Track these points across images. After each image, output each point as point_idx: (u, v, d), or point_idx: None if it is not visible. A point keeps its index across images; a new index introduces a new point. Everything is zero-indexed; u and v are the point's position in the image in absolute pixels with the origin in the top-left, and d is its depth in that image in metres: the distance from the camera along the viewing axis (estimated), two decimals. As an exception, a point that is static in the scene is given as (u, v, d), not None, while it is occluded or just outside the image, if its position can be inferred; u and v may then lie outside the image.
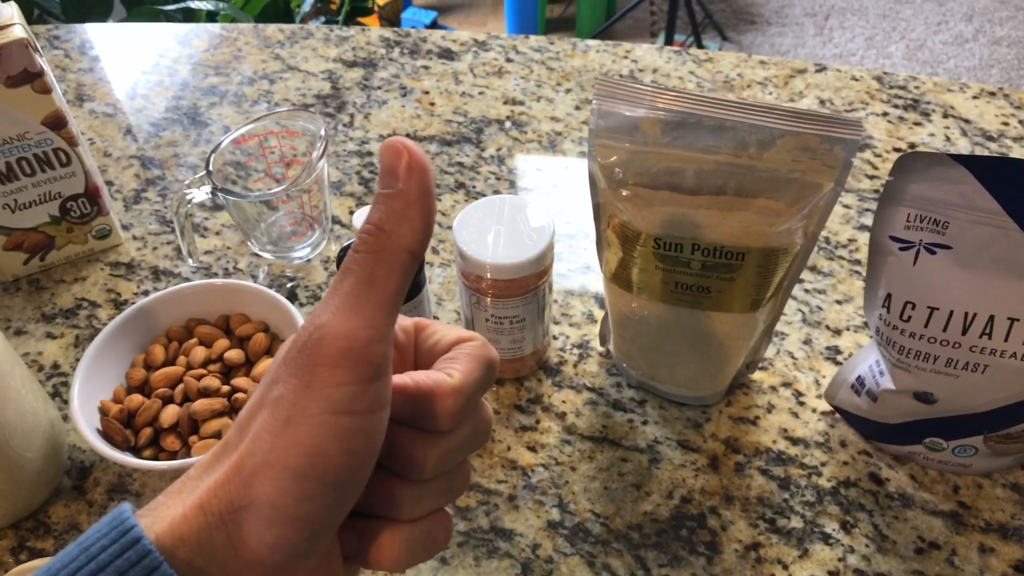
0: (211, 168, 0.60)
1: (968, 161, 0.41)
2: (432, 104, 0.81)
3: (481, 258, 0.50)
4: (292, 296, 0.64)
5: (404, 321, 0.31)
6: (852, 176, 0.72)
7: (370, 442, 0.25)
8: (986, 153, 0.74)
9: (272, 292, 0.55)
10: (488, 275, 0.50)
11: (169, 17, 1.36)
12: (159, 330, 0.56)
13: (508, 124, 0.79)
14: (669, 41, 2.21)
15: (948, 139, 0.75)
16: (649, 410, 0.56)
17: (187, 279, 0.66)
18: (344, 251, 0.54)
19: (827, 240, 0.67)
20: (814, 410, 0.56)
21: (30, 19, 1.36)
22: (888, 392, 0.49)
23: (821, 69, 0.84)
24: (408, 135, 0.77)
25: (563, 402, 0.57)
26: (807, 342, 0.60)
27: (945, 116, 0.78)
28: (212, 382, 0.52)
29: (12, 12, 0.56)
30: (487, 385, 0.29)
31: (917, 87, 0.81)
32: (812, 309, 0.62)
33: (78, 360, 0.59)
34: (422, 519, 0.29)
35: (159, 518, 0.24)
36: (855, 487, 0.52)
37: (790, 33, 2.53)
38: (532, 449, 0.54)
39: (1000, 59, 2.38)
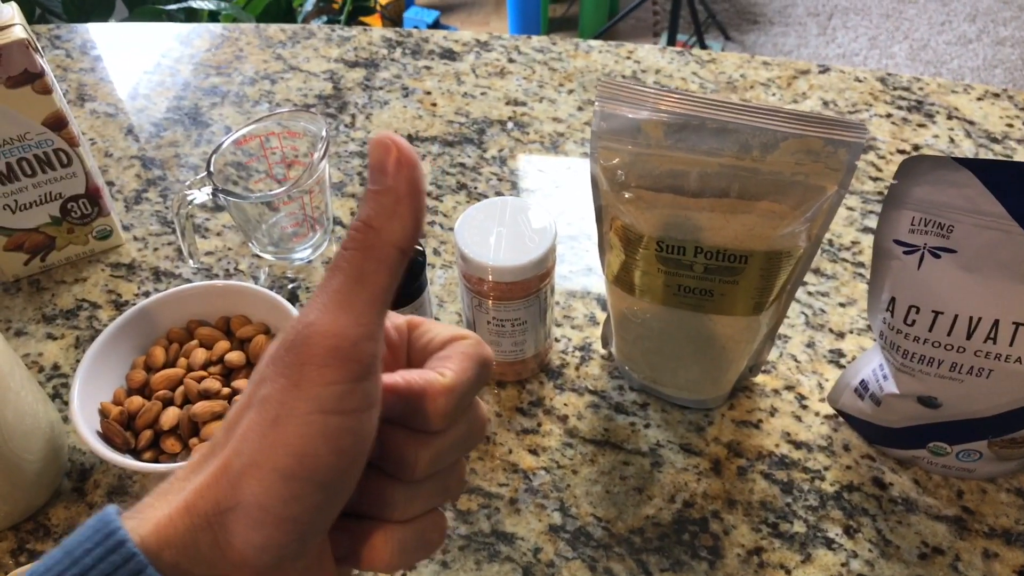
0: (212, 169, 0.60)
1: (973, 164, 0.41)
2: (434, 105, 0.81)
3: (483, 260, 0.49)
4: (293, 298, 0.64)
5: (397, 319, 0.31)
6: (856, 178, 0.72)
7: (359, 441, 0.25)
8: (990, 155, 0.74)
9: (273, 294, 0.55)
10: (490, 277, 0.50)
11: (171, 17, 1.36)
12: (160, 332, 0.56)
13: (510, 125, 0.78)
14: (672, 41, 2.21)
15: (952, 141, 0.75)
16: (651, 413, 0.56)
17: (188, 280, 0.66)
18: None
19: (830, 242, 0.67)
20: (817, 414, 0.56)
21: (32, 18, 1.36)
22: (892, 396, 0.49)
23: (824, 70, 0.83)
24: (410, 136, 0.77)
25: (565, 405, 0.57)
26: (810, 345, 0.59)
27: (949, 118, 0.77)
28: (213, 384, 0.52)
29: (12, 12, 0.56)
30: (481, 384, 0.29)
31: (921, 88, 0.81)
32: (815, 312, 0.62)
33: (78, 361, 0.59)
34: (415, 519, 0.28)
35: (144, 520, 0.24)
36: (858, 491, 0.52)
37: (793, 33, 2.52)
38: (533, 452, 0.54)
39: (1004, 59, 2.37)
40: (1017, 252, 0.41)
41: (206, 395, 0.52)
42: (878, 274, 0.47)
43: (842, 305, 0.62)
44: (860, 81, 0.82)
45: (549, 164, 0.75)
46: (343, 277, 0.24)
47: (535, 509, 0.51)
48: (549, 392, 0.57)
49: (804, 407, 0.56)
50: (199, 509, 0.24)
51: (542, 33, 2.53)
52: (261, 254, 0.66)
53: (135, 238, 0.69)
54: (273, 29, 0.91)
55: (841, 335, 0.60)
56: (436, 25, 2.55)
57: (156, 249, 0.68)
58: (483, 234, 0.51)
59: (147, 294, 0.65)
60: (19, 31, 0.55)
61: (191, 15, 1.39)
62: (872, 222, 0.68)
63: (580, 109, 0.80)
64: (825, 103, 0.80)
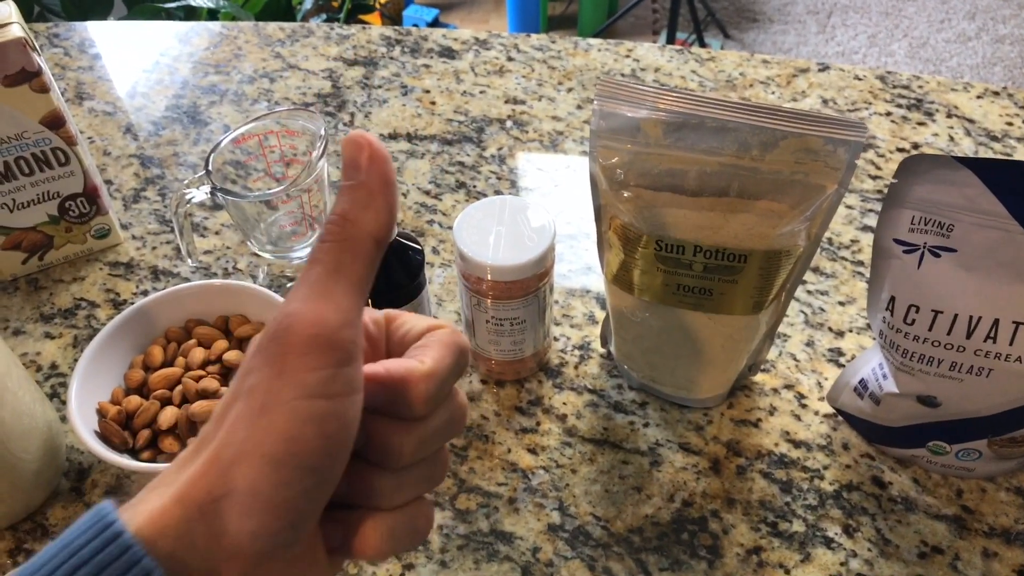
0: (211, 167, 0.60)
1: (973, 164, 0.41)
2: (433, 103, 0.81)
3: (482, 259, 0.49)
4: (292, 296, 0.64)
5: (375, 312, 0.32)
6: (855, 177, 0.72)
7: (344, 426, 0.25)
8: (990, 153, 0.73)
9: (272, 293, 0.55)
10: (489, 276, 0.50)
11: (170, 15, 1.36)
12: (158, 331, 0.56)
13: (509, 123, 0.78)
14: (671, 38, 2.21)
15: (952, 139, 0.75)
16: (650, 412, 0.56)
17: (186, 279, 0.65)
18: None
19: (830, 241, 0.66)
20: (816, 413, 0.56)
21: (30, 16, 1.35)
22: (891, 395, 0.49)
23: (824, 68, 0.83)
24: (409, 134, 0.77)
25: (564, 404, 0.57)
26: (809, 344, 0.59)
27: (949, 116, 0.77)
28: (211, 384, 0.52)
29: (10, 11, 0.56)
30: (460, 371, 0.30)
31: (920, 87, 0.81)
32: (814, 311, 0.61)
33: (76, 361, 0.59)
34: (403, 507, 0.29)
35: (138, 512, 0.25)
36: (858, 491, 0.52)
37: (792, 31, 2.52)
38: (532, 451, 0.54)
39: (1003, 57, 2.37)
40: (1017, 251, 0.41)
41: (204, 394, 0.51)
42: (878, 273, 0.47)
43: (841, 304, 0.62)
44: (860, 79, 0.82)
45: (548, 162, 0.74)
46: (321, 268, 0.25)
47: (534, 508, 0.51)
48: (548, 391, 0.57)
49: (803, 406, 0.56)
50: (192, 499, 0.24)
51: (541, 31, 2.53)
52: (260, 253, 0.66)
53: (133, 237, 0.69)
54: (272, 27, 0.91)
55: (840, 334, 0.60)
56: (435, 23, 2.55)
57: (154, 248, 0.68)
58: (482, 233, 0.51)
59: (145, 293, 0.65)
60: (16, 29, 0.55)
61: (190, 13, 1.39)
62: (871, 220, 0.68)
63: (579, 107, 0.80)
64: (824, 101, 0.80)
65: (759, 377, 0.58)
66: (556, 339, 0.60)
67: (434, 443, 0.29)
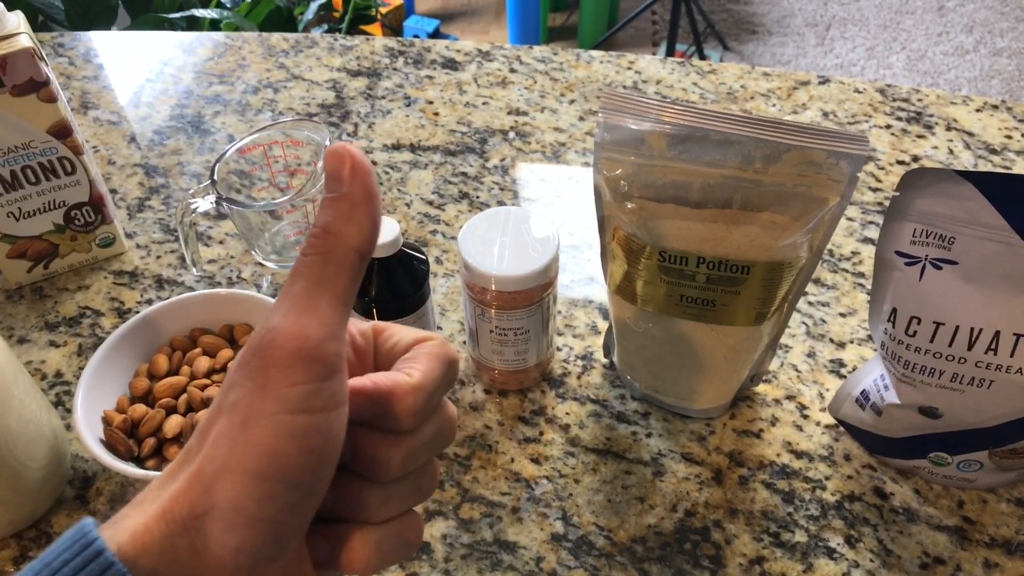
0: (215, 177, 0.60)
1: (974, 177, 0.41)
2: (436, 114, 0.81)
3: (486, 270, 0.50)
4: (295, 306, 0.64)
5: (362, 325, 0.31)
6: (856, 189, 0.72)
7: (328, 440, 0.25)
8: (989, 166, 0.74)
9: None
10: (493, 287, 0.50)
11: (173, 25, 1.36)
12: (163, 340, 0.56)
13: (512, 134, 0.79)
14: (671, 50, 2.22)
15: (951, 152, 0.75)
16: (653, 422, 0.56)
17: (191, 288, 0.66)
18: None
19: (831, 253, 0.67)
20: (818, 423, 0.56)
21: (35, 26, 1.36)
22: (893, 406, 0.49)
23: (824, 81, 0.84)
24: (412, 145, 0.78)
25: (567, 414, 0.57)
26: (811, 355, 0.60)
27: (948, 129, 0.78)
28: (216, 392, 0.52)
29: (19, 21, 0.56)
30: (448, 383, 0.29)
31: (920, 100, 0.81)
32: (816, 322, 0.62)
33: (81, 369, 0.59)
34: (392, 520, 0.29)
35: (121, 529, 0.24)
36: (859, 501, 0.52)
37: (791, 43, 2.53)
38: (536, 461, 0.54)
39: (1001, 70, 2.39)
40: (1018, 264, 0.41)
41: (209, 403, 0.52)
42: (879, 285, 0.47)
43: (843, 315, 0.62)
44: (860, 92, 0.82)
45: (551, 173, 0.75)
46: (303, 282, 0.25)
47: (537, 518, 0.51)
48: (551, 401, 0.58)
49: (805, 417, 0.56)
50: (175, 515, 0.24)
51: (541, 42, 2.54)
52: (264, 262, 0.66)
53: (138, 246, 0.69)
54: (276, 38, 0.92)
55: (842, 345, 0.60)
56: (436, 34, 2.56)
57: (159, 257, 0.68)
58: (486, 244, 0.51)
59: (150, 302, 0.65)
60: (25, 40, 0.55)
61: (193, 23, 1.40)
62: (872, 232, 0.68)
63: (581, 119, 0.80)
64: (825, 114, 0.80)
65: (761, 388, 0.58)
66: (559, 349, 0.61)
67: (422, 456, 0.29)
